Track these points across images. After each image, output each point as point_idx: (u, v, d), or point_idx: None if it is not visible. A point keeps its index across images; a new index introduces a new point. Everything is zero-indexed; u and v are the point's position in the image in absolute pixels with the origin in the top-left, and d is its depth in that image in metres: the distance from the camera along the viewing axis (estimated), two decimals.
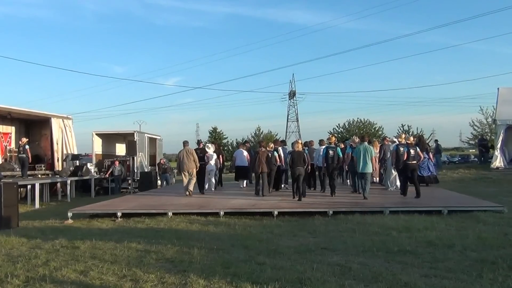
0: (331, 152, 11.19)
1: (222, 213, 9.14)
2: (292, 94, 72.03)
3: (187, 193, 11.89)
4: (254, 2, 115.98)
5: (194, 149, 12.48)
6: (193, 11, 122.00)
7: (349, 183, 13.45)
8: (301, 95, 73.38)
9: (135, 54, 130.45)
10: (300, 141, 11.43)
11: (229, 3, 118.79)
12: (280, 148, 12.68)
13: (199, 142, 13.73)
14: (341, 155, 11.38)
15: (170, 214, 9.27)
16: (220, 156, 14.29)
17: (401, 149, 10.70)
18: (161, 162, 18.62)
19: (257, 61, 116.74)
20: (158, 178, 18.25)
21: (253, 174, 12.37)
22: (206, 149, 13.29)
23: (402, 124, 45.51)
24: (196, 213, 9.31)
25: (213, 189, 13.26)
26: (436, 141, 25.39)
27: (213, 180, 13.42)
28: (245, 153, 13.78)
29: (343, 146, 13.09)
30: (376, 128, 48.55)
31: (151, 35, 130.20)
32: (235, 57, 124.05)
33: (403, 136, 11.59)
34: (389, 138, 14.29)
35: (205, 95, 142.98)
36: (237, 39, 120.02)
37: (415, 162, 10.48)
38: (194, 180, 12.10)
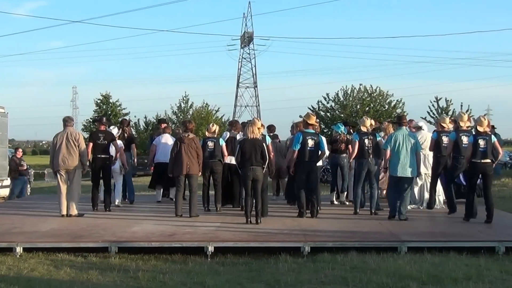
0: (310, 142, 11.26)
1: (114, 249, 8.97)
2: (246, 39, 70.77)
3: (73, 212, 11.61)
4: None
5: (94, 132, 12.50)
6: None
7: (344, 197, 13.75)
8: (262, 40, 72.81)
9: None
10: (258, 122, 11.58)
11: None
12: (240, 135, 12.81)
13: (101, 119, 13.11)
14: (325, 148, 11.67)
15: (19, 250, 9.01)
16: (134, 145, 14.28)
17: (444, 138, 11.53)
18: (17, 155, 18.50)
19: None
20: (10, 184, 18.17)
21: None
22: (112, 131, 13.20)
23: (436, 97, 45.46)
24: (68, 248, 9.10)
25: (117, 202, 13.30)
26: (492, 128, 25.08)
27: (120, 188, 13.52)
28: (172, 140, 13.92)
29: (343, 135, 13.16)
30: (392, 103, 48.41)
31: None
32: None
33: (447, 120, 12.06)
34: (418, 122, 14.24)
35: (87, 37, 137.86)
36: None
37: (488, 161, 10.70)
38: (78, 190, 11.82)
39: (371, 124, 12.09)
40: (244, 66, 73.92)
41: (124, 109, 56.74)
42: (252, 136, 10.78)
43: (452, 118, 13.14)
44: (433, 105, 44.61)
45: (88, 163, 12.01)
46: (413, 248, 8.79)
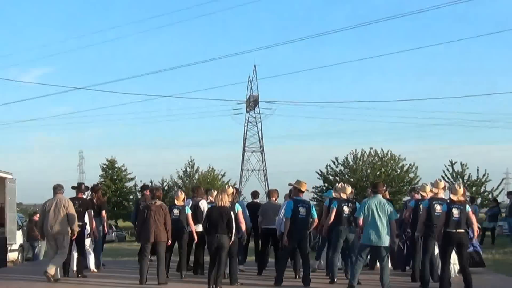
0: (301, 209, 11.26)
1: None
2: (252, 103, 70.62)
3: (49, 276, 11.56)
4: None
5: (71, 199, 12.42)
6: None
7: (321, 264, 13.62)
8: (267, 104, 72.61)
9: None
10: (230, 189, 11.85)
11: None
12: (203, 201, 12.84)
13: (79, 187, 13.16)
14: (316, 217, 11.74)
15: None
16: (104, 212, 14.02)
17: (421, 206, 11.48)
18: (35, 218, 18.98)
19: (185, 40, 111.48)
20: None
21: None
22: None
23: (451, 161, 44.28)
24: None
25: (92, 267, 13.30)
26: (511, 193, 23.99)
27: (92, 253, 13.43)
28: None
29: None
30: (405, 168, 47.26)
31: None
32: (146, 35, 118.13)
33: (427, 188, 11.94)
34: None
35: (93, 103, 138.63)
36: (149, 6, 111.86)
37: (463, 231, 10.46)
38: (64, 254, 11.94)
39: (351, 192, 12.03)
40: (250, 130, 73.71)
41: (129, 173, 56.56)
42: (220, 204, 10.77)
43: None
44: (447, 170, 43.61)
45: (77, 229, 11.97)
46: None
